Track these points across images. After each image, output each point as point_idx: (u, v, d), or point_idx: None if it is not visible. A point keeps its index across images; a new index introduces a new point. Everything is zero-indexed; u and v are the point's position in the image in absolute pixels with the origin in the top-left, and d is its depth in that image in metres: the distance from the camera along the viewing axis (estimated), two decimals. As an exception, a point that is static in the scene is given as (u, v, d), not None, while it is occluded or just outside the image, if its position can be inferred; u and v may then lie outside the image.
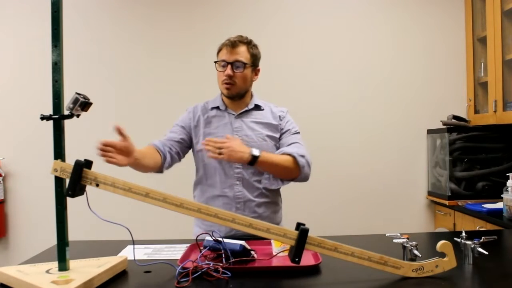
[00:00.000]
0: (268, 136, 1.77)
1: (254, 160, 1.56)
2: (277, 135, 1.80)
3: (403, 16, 3.10)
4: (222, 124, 1.76)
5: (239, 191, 1.72)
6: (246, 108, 1.79)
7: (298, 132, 1.83)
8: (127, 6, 3.02)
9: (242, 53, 1.72)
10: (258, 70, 1.82)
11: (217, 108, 1.80)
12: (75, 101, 1.08)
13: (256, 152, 1.57)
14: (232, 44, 1.71)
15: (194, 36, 3.02)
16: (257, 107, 1.81)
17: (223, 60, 1.71)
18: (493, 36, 2.66)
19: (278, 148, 1.78)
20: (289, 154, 1.65)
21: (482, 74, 2.92)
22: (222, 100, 1.81)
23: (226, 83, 1.72)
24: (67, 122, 1.09)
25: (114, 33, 3.01)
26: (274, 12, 3.07)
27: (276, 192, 1.84)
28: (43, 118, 1.06)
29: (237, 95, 1.76)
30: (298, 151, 1.68)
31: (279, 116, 1.82)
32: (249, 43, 1.76)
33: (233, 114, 1.78)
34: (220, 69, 1.73)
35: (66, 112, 1.08)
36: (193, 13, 3.04)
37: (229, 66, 1.70)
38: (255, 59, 1.77)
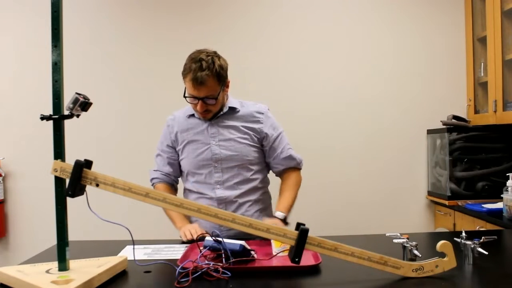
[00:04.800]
0: (244, 138, 1.76)
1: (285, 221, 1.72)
2: (256, 138, 1.78)
3: (403, 16, 3.10)
4: (199, 130, 1.77)
5: (221, 194, 1.75)
6: (221, 113, 1.76)
7: (281, 132, 1.84)
8: (127, 5, 3.02)
9: (210, 87, 1.63)
10: (228, 82, 1.74)
11: (193, 115, 1.79)
12: (75, 101, 1.08)
13: (282, 216, 1.71)
14: (199, 82, 1.60)
15: (194, 35, 3.01)
16: (232, 109, 1.78)
17: (191, 95, 1.65)
18: (493, 36, 2.66)
19: (257, 148, 1.78)
20: (294, 168, 1.85)
21: (482, 74, 2.91)
22: None
23: (200, 114, 1.72)
24: (67, 122, 1.09)
25: (114, 32, 3.01)
26: (274, 12, 3.06)
27: (262, 191, 1.85)
28: (43, 118, 1.06)
29: (214, 117, 1.76)
30: (295, 157, 1.84)
31: (258, 120, 1.79)
32: (214, 73, 1.62)
33: (208, 121, 1.77)
34: (190, 101, 1.68)
35: (66, 112, 1.08)
36: (194, 13, 3.03)
37: (200, 101, 1.65)
38: (223, 82, 1.69)
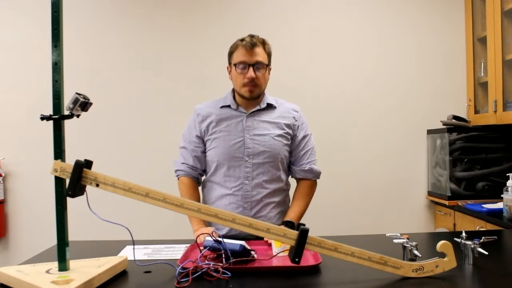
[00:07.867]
0: (279, 135, 1.76)
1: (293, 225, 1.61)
2: (289, 135, 1.79)
3: (403, 17, 3.10)
4: (233, 122, 1.74)
5: (247, 191, 1.72)
6: (258, 107, 1.77)
7: (309, 134, 1.86)
8: (128, 4, 3.02)
9: (261, 53, 1.69)
10: (270, 69, 1.79)
11: (228, 106, 1.77)
12: (75, 101, 1.08)
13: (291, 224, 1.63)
14: (251, 45, 1.66)
15: (195, 35, 3.02)
16: (269, 106, 1.79)
17: (242, 62, 1.68)
18: (493, 36, 2.66)
19: (288, 147, 1.79)
20: (309, 179, 1.85)
21: (482, 74, 2.92)
22: (234, 99, 1.78)
23: (248, 85, 1.69)
24: (67, 122, 1.09)
25: (113, 31, 3.01)
26: (274, 12, 3.06)
27: (286, 194, 1.85)
28: (43, 118, 1.06)
29: (257, 96, 1.75)
30: (314, 171, 1.84)
31: (294, 117, 1.81)
32: (264, 43, 1.73)
33: (244, 113, 1.75)
34: (239, 71, 1.69)
35: (66, 112, 1.08)
36: (196, 13, 3.03)
37: (251, 68, 1.67)
38: (269, 59, 1.75)
